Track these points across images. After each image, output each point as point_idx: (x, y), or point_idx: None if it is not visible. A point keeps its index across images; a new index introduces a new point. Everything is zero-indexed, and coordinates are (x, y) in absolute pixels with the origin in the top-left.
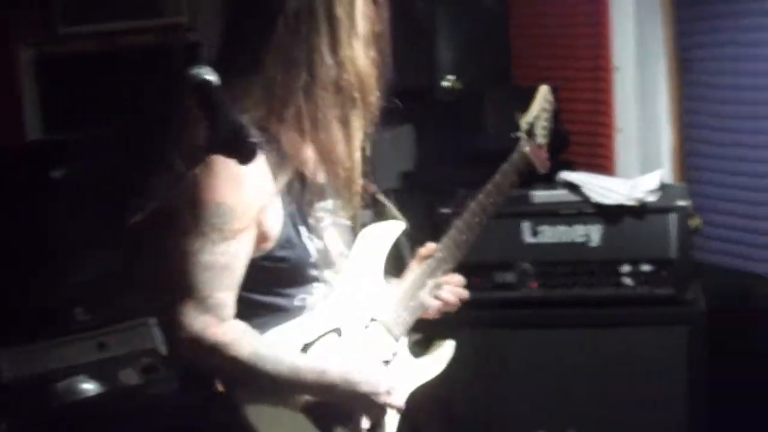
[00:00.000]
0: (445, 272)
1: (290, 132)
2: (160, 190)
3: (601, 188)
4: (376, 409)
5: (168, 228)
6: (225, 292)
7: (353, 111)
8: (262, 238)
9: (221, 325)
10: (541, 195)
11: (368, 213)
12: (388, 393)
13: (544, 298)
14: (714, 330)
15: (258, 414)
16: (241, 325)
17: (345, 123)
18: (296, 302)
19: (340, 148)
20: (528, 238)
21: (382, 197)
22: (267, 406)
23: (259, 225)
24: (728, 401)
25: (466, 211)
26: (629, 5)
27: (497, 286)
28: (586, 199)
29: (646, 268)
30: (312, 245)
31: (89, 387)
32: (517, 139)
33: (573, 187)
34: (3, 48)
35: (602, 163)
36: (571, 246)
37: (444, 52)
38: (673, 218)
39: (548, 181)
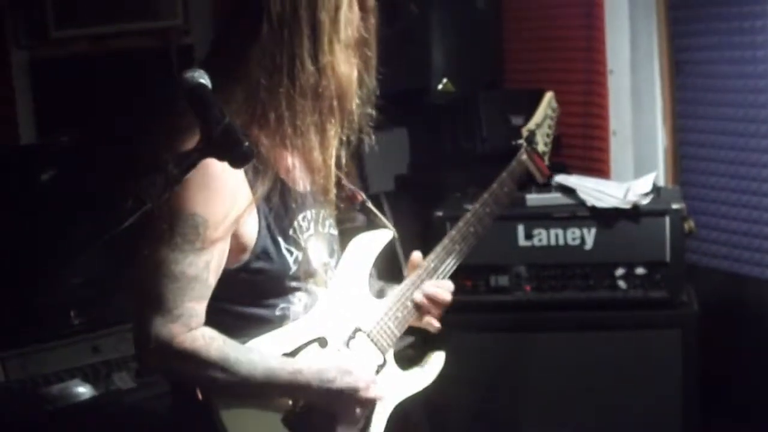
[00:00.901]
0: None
1: (272, 139)
2: (151, 193)
3: (595, 191)
4: (356, 406)
5: (141, 235)
6: (193, 302)
7: (330, 118)
8: (238, 248)
9: (188, 333)
10: (535, 198)
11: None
12: (368, 388)
13: (538, 301)
14: (707, 332)
15: (238, 426)
16: (210, 332)
17: (321, 130)
18: (277, 312)
19: (316, 155)
20: (522, 241)
21: (371, 206)
22: (248, 418)
23: (235, 236)
24: (721, 402)
25: (461, 221)
26: (623, 8)
27: (491, 289)
28: (580, 202)
29: (640, 271)
30: (290, 257)
31: (83, 390)
32: (517, 147)
33: (567, 191)
34: None
35: (597, 167)
36: (566, 249)
37: (437, 55)
38: (667, 221)
39: (543, 184)
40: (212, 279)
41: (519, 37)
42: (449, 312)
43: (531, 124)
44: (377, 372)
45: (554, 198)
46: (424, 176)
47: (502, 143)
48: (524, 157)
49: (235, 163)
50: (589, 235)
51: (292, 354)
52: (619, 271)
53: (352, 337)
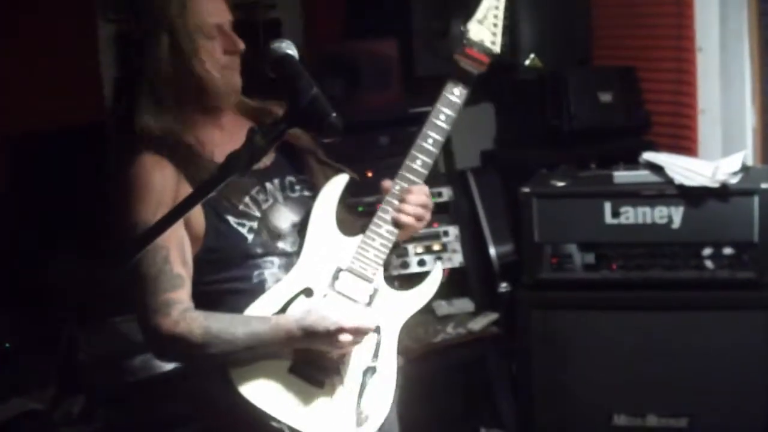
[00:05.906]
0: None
1: (202, 126)
2: (239, 164)
3: (684, 169)
4: (341, 341)
5: None
6: (167, 294)
7: (205, 101)
8: (193, 237)
9: (171, 320)
10: (623, 175)
11: None
12: (348, 321)
13: (624, 280)
14: None
15: (250, 386)
16: (192, 314)
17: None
18: (254, 281)
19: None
20: (609, 219)
21: (325, 158)
22: (255, 373)
23: (188, 227)
24: None
25: (418, 136)
26: None
27: (577, 267)
28: (668, 181)
29: (727, 251)
30: (243, 228)
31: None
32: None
33: (656, 168)
34: (84, 24)
35: (685, 145)
36: (653, 227)
37: (525, 30)
38: (756, 201)
39: (631, 161)
40: (178, 268)
41: (608, 13)
42: (534, 290)
43: (470, 23)
44: (370, 301)
45: (642, 175)
46: (510, 152)
47: (591, 120)
48: (455, 56)
49: (324, 134)
50: (677, 214)
51: (282, 311)
52: (707, 251)
53: (335, 278)
